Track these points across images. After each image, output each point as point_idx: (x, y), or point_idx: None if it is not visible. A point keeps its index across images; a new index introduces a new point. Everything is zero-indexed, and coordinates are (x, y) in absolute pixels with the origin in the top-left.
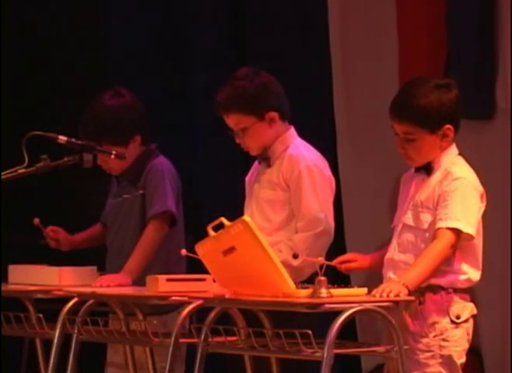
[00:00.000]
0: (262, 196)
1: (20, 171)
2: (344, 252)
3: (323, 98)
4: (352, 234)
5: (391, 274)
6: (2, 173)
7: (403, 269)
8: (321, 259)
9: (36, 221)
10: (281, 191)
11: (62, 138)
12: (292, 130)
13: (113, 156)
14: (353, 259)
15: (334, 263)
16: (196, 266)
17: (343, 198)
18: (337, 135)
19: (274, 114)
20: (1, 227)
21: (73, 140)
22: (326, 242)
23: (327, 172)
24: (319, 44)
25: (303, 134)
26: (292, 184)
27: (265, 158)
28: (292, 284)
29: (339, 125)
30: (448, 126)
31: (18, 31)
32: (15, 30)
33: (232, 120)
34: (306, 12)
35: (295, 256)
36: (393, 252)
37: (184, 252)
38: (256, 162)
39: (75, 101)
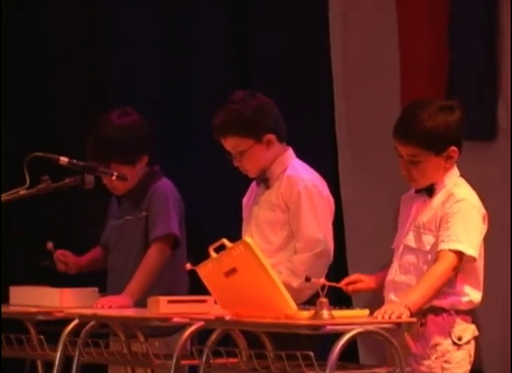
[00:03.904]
0: (262, 217)
1: (21, 192)
2: (345, 272)
3: (323, 117)
4: (354, 254)
5: (392, 296)
6: (3, 195)
7: (405, 290)
8: (323, 280)
9: (50, 245)
10: (280, 212)
11: (64, 159)
12: (290, 151)
13: (114, 177)
14: (359, 280)
15: (340, 284)
16: (198, 288)
17: (345, 217)
18: (338, 154)
19: (271, 136)
20: (2, 248)
21: (75, 161)
22: (325, 262)
23: (326, 192)
24: (320, 61)
25: (304, 154)
26: (291, 205)
27: (264, 180)
28: (293, 306)
29: (341, 144)
30: (453, 148)
31: (17, 49)
32: (15, 47)
33: (229, 144)
34: (307, 28)
35: (307, 279)
36: (394, 274)
37: (188, 266)
38: (252, 184)
39: (77, 121)
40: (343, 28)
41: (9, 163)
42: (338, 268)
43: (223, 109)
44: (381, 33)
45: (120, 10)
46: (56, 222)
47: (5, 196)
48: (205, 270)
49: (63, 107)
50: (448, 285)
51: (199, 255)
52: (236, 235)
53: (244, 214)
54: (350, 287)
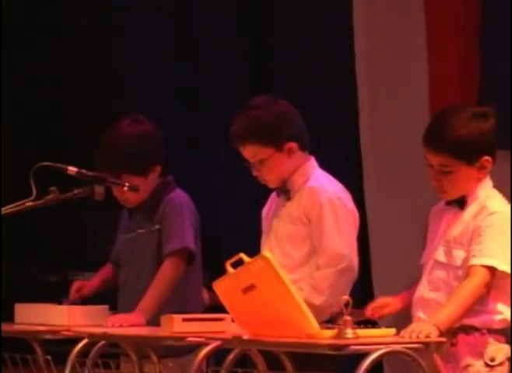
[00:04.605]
0: (282, 231)
1: (28, 204)
2: (370, 289)
3: (348, 126)
4: (380, 270)
5: (420, 314)
6: (9, 206)
7: (434, 308)
8: (346, 298)
9: (77, 285)
10: (301, 226)
11: (72, 169)
12: (313, 161)
13: (126, 188)
14: (385, 305)
15: (366, 315)
16: (214, 305)
17: (370, 232)
18: (363, 165)
19: (293, 145)
20: (6, 263)
21: (84, 171)
22: (350, 279)
23: (351, 204)
24: (344, 71)
25: (327, 165)
26: (313, 218)
27: (284, 191)
28: (315, 324)
29: (365, 155)
30: (486, 157)
31: (27, 57)
32: (24, 56)
33: (248, 152)
34: (331, 37)
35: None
36: (423, 291)
37: (205, 295)
38: (273, 195)
39: (86, 129)
40: (368, 34)
41: (14, 174)
42: (363, 285)
43: (242, 116)
44: (408, 36)
45: (130, 12)
46: (63, 236)
47: (9, 209)
48: (221, 287)
49: (71, 115)
50: (480, 303)
51: (215, 270)
52: (254, 250)
53: (264, 227)
54: (377, 315)
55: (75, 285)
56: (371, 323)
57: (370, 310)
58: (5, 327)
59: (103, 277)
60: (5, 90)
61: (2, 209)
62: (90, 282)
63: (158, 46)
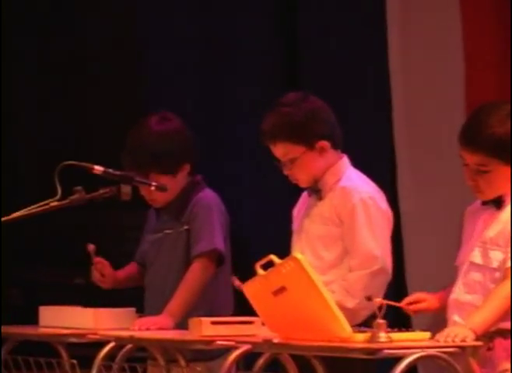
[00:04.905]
0: (313, 231)
1: (53, 204)
2: (404, 292)
3: (381, 124)
4: (414, 271)
5: (456, 317)
6: (34, 206)
7: (469, 311)
8: (380, 300)
9: (91, 247)
10: (333, 226)
11: (98, 168)
12: (345, 160)
13: (153, 188)
14: (422, 300)
15: (400, 304)
16: (244, 308)
17: (403, 233)
18: (397, 164)
19: (325, 143)
20: (31, 265)
21: (110, 170)
22: (383, 281)
23: (384, 205)
24: (378, 67)
25: (360, 164)
26: (345, 218)
27: (316, 191)
28: (348, 328)
29: (399, 153)
30: None
31: (50, 51)
32: (51, 56)
33: (279, 150)
34: (364, 35)
35: (368, 299)
36: (458, 293)
37: (236, 281)
38: (304, 194)
39: (113, 127)
40: (402, 30)
41: (39, 173)
42: (397, 287)
43: (273, 113)
44: (443, 33)
45: (156, 10)
46: (88, 236)
47: (34, 209)
48: (251, 289)
49: (97, 113)
50: None
51: (245, 272)
52: (285, 251)
53: (294, 227)
54: (412, 307)
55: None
56: (405, 327)
57: (406, 303)
58: (30, 330)
59: (129, 273)
60: (29, 88)
61: (27, 209)
62: (114, 273)
63: (185, 41)
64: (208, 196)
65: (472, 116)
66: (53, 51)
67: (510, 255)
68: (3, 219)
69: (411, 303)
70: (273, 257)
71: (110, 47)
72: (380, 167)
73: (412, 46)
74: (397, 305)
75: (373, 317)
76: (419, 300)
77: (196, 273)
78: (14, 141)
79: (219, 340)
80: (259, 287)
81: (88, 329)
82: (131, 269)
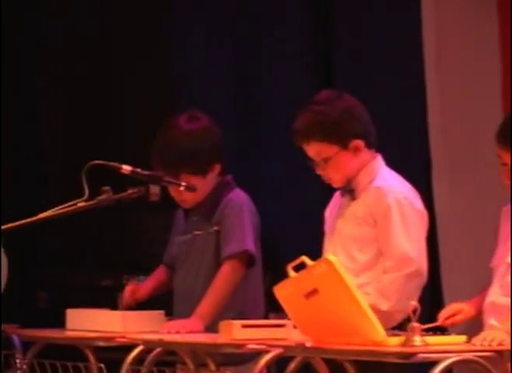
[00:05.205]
0: (346, 232)
1: (80, 204)
2: (440, 294)
3: (416, 122)
4: (450, 274)
5: (492, 321)
6: (61, 207)
7: (506, 314)
8: (414, 304)
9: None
10: (367, 227)
11: (126, 168)
12: (379, 159)
13: (182, 188)
14: (458, 312)
15: (438, 323)
16: (275, 311)
17: (439, 234)
18: (432, 164)
19: (359, 142)
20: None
21: (139, 170)
22: (419, 283)
23: (419, 205)
24: (413, 67)
25: (394, 163)
26: (379, 219)
27: (349, 191)
28: (381, 331)
29: (435, 153)
30: None
31: (76, 50)
32: (75, 48)
33: (312, 150)
34: (399, 35)
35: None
36: (494, 296)
37: None
38: (336, 194)
39: (141, 126)
40: (438, 29)
41: (64, 173)
42: (432, 290)
43: (306, 111)
44: (479, 32)
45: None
46: (115, 238)
47: (60, 210)
48: (283, 291)
49: (126, 112)
50: None
51: (276, 274)
52: (317, 252)
53: (327, 228)
54: (448, 322)
55: (129, 288)
56: (440, 330)
57: (443, 319)
58: (57, 334)
59: (158, 280)
60: (54, 87)
61: (54, 210)
62: (144, 285)
63: (218, 39)
64: (238, 196)
65: (509, 116)
66: (79, 48)
67: None
68: (3, 227)
69: (447, 317)
70: (305, 259)
71: (140, 44)
72: (414, 167)
73: (447, 45)
74: (433, 325)
75: (407, 320)
76: (454, 312)
77: (226, 275)
78: (40, 141)
79: (250, 344)
80: (291, 289)
81: (116, 333)
82: (159, 276)
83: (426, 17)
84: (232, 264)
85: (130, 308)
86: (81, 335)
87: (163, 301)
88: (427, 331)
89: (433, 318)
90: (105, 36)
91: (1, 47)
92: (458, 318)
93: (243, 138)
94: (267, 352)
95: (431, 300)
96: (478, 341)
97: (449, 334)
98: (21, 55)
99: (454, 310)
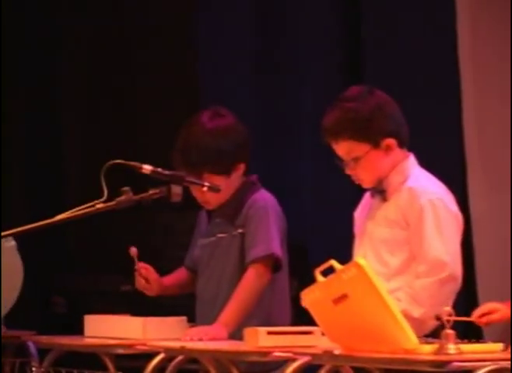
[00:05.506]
0: (377, 235)
1: (99, 206)
2: (475, 300)
3: (450, 121)
4: (485, 279)
5: None
6: (79, 208)
7: None
8: (450, 311)
9: (134, 251)
10: (399, 230)
11: (147, 168)
12: (412, 159)
13: (205, 188)
14: (494, 311)
15: (471, 318)
16: (302, 317)
17: (474, 237)
18: (467, 164)
19: (391, 141)
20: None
21: (159, 170)
22: (453, 289)
23: (454, 207)
24: (447, 67)
25: (427, 163)
26: (412, 221)
27: (380, 191)
28: (414, 339)
29: (470, 154)
30: None
31: (99, 48)
32: (99, 55)
33: (342, 148)
34: (433, 32)
35: (438, 319)
36: None
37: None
38: (366, 195)
39: (162, 124)
40: (472, 32)
41: (82, 173)
42: (467, 296)
43: (336, 108)
44: None
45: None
46: (135, 240)
47: (79, 211)
48: (310, 297)
49: (146, 109)
50: None
51: (304, 279)
52: (346, 256)
53: (356, 230)
54: (483, 320)
55: (142, 265)
56: (476, 338)
57: (477, 316)
58: (74, 341)
59: (177, 279)
60: (76, 86)
61: (71, 211)
62: (160, 279)
63: (245, 36)
64: (264, 197)
65: None
66: (101, 46)
67: None
68: (3, 233)
69: (482, 315)
70: (334, 263)
71: (164, 43)
72: (449, 168)
73: (482, 44)
74: (467, 319)
75: (441, 327)
76: (490, 311)
77: (251, 279)
78: (57, 141)
79: (276, 352)
80: (319, 294)
81: (136, 340)
82: (179, 275)
83: (461, 14)
84: (257, 268)
85: (140, 274)
86: (99, 342)
87: (185, 307)
88: (462, 338)
89: (469, 325)
90: (129, 35)
91: (20, 45)
92: (494, 317)
93: (269, 137)
94: (293, 360)
95: (466, 306)
96: None
97: (484, 342)
98: (42, 53)
99: (489, 308)
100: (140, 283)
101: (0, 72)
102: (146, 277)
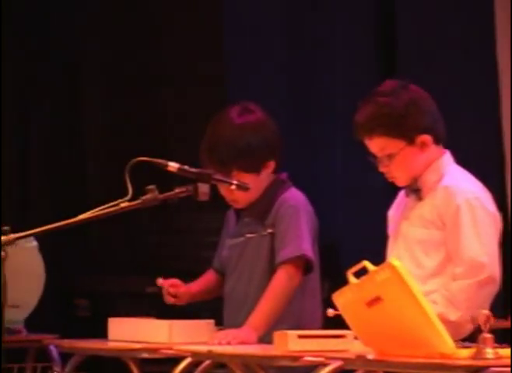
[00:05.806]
0: (412, 235)
1: (123, 204)
2: None
3: (488, 120)
4: None
5: None
6: (103, 207)
7: None
8: (486, 313)
9: (160, 282)
10: (435, 230)
11: (173, 165)
12: (448, 156)
13: (233, 187)
14: None
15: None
16: (334, 321)
17: None
18: (505, 162)
19: (426, 137)
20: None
21: (186, 167)
22: (491, 291)
23: (492, 206)
24: (485, 64)
25: (464, 161)
26: (448, 221)
27: (415, 190)
28: (450, 343)
29: (508, 150)
30: None
31: (126, 49)
32: (121, 52)
33: (376, 145)
34: (471, 29)
35: (473, 321)
36: None
37: (331, 312)
38: (401, 193)
39: (189, 120)
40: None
41: (105, 171)
42: (505, 299)
43: (369, 103)
44: None
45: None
46: (161, 240)
47: (103, 210)
48: (342, 299)
49: (172, 105)
50: None
51: (336, 281)
52: (380, 257)
53: (390, 230)
54: None
55: (170, 281)
56: None
57: None
58: (98, 344)
59: (205, 284)
60: (99, 83)
61: (95, 210)
62: (188, 288)
63: (275, 33)
64: (294, 196)
65: None
66: (123, 43)
67: None
68: (24, 233)
69: None
70: (367, 264)
71: (191, 40)
72: (486, 165)
73: None
74: (505, 325)
75: (478, 331)
76: None
77: (281, 281)
78: (79, 139)
79: (307, 356)
80: (351, 297)
81: (162, 344)
82: (207, 279)
83: (499, 13)
84: (287, 270)
85: (169, 293)
86: (124, 346)
87: (213, 310)
88: (500, 342)
89: (507, 329)
90: (154, 32)
91: (39, 44)
92: None
93: (300, 134)
94: (325, 365)
95: (504, 309)
96: None
97: None
98: (62, 53)
99: None
100: (169, 300)
101: (23, 74)
102: (175, 294)
